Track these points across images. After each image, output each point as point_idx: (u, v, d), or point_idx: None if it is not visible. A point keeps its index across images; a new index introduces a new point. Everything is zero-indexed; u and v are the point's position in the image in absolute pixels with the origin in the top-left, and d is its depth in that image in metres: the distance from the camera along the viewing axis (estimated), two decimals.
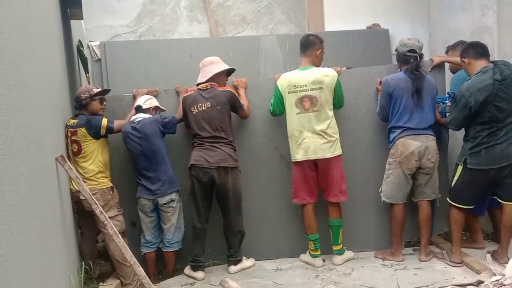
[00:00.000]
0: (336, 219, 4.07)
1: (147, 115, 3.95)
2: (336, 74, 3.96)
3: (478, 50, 3.65)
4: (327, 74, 3.90)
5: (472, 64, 3.65)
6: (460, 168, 3.75)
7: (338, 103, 4.03)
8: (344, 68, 4.43)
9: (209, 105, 3.92)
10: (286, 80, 3.97)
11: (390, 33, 5.64)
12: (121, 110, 4.14)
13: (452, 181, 3.85)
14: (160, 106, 4.10)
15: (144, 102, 4.00)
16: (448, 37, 5.10)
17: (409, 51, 3.94)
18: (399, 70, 4.09)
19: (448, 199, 3.88)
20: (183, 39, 5.52)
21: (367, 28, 5.73)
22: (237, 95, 4.06)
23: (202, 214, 3.99)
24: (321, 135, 3.89)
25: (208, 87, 3.98)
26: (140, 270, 3.17)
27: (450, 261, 3.82)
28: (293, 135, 3.97)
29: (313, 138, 3.89)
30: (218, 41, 5.43)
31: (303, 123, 3.91)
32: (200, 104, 3.94)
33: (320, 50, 3.99)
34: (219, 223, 4.11)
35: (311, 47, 3.97)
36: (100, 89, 3.98)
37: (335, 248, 4.11)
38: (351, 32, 5.53)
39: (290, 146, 4.04)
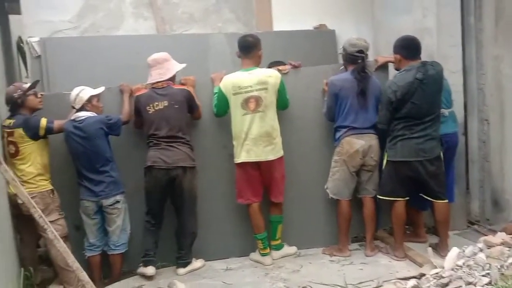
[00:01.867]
0: (275, 215, 4.14)
1: (90, 113, 3.78)
2: (280, 75, 3.98)
3: (410, 52, 3.81)
4: (270, 75, 3.92)
5: (402, 62, 3.83)
6: (384, 162, 3.93)
7: (282, 104, 4.06)
8: (289, 67, 4.42)
9: (166, 104, 3.83)
10: (230, 82, 3.94)
11: (336, 33, 5.76)
12: (61, 109, 3.92)
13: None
14: (94, 92, 3.83)
15: (75, 101, 3.78)
16: (392, 38, 5.18)
17: (357, 51, 4.03)
18: (342, 68, 4.18)
19: (377, 195, 4.04)
20: (129, 36, 5.41)
21: (314, 28, 5.82)
22: (193, 96, 3.99)
23: (158, 214, 3.95)
24: (264, 136, 3.91)
25: (164, 86, 3.89)
26: (83, 275, 3.07)
27: (394, 256, 3.94)
28: (238, 136, 3.97)
29: (256, 140, 3.90)
30: (166, 39, 5.36)
31: (248, 124, 3.90)
32: (157, 103, 3.84)
33: (261, 51, 4.02)
34: (170, 223, 4.04)
35: (253, 49, 3.97)
36: (29, 84, 3.78)
37: (272, 243, 4.16)
38: (298, 32, 5.60)
39: (234, 147, 4.03)
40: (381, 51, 5.52)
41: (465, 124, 4.71)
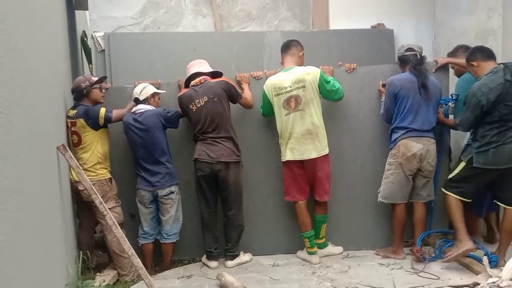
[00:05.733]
0: (319, 215, 4.15)
1: (149, 107, 3.93)
2: (319, 71, 3.94)
3: (485, 52, 3.67)
4: (308, 72, 3.91)
5: (481, 66, 3.65)
6: (462, 164, 3.76)
7: (330, 96, 4.00)
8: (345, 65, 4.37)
9: (206, 99, 3.92)
10: (271, 83, 4.01)
11: (395, 33, 5.64)
12: (123, 102, 4.11)
13: (450, 174, 3.88)
14: (157, 90, 4.03)
15: (140, 93, 3.94)
16: (453, 38, 5.09)
17: (406, 50, 4.00)
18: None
19: (442, 189, 3.90)
20: (188, 32, 5.55)
21: (371, 27, 5.73)
22: (232, 84, 4.04)
23: (211, 204, 4.06)
24: (306, 134, 3.91)
25: (201, 81, 3.99)
26: (137, 261, 3.18)
27: (462, 248, 3.70)
28: (283, 135, 4.01)
29: (299, 139, 3.92)
30: (223, 36, 5.45)
31: (290, 123, 3.93)
32: (198, 101, 3.94)
33: (302, 52, 4.07)
34: (219, 217, 4.15)
35: (294, 46, 4.05)
36: (97, 77, 3.97)
37: (316, 241, 4.16)
38: (355, 31, 5.53)
39: (280, 146, 4.08)
40: (441, 52, 5.39)
41: None
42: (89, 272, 3.78)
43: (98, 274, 3.84)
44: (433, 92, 3.87)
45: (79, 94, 3.87)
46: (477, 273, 3.54)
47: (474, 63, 3.68)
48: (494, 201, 3.81)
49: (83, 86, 3.84)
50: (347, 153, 4.28)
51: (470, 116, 3.65)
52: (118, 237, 3.23)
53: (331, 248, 4.25)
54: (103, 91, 3.99)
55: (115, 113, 3.88)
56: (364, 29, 5.63)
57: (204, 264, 4.13)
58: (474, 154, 3.66)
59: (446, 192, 3.85)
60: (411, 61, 3.91)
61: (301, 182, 4.06)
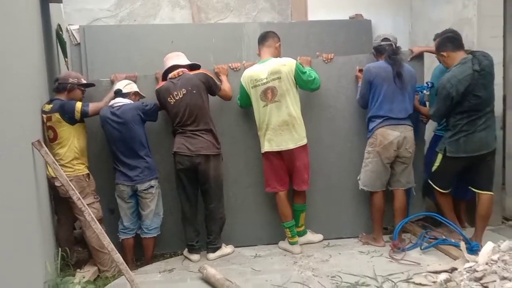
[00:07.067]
0: (298, 204, 4.20)
1: (127, 101, 3.88)
2: (294, 62, 3.93)
3: (456, 43, 3.74)
4: (284, 64, 3.91)
5: (451, 56, 3.73)
6: (440, 156, 3.89)
7: (307, 87, 4.00)
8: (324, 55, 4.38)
9: (184, 92, 3.89)
10: (248, 75, 4.01)
11: (373, 23, 5.66)
12: (99, 95, 4.07)
13: (433, 167, 4.00)
14: (140, 92, 4.04)
15: (124, 86, 3.93)
16: (429, 28, 5.13)
17: (382, 40, 4.05)
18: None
19: (429, 180, 4.06)
20: (165, 24, 5.47)
21: (349, 18, 5.75)
22: (211, 76, 4.02)
23: (191, 197, 4.04)
24: (283, 125, 3.92)
25: (180, 74, 3.96)
26: (118, 257, 3.15)
27: (453, 238, 3.90)
28: (261, 127, 4.02)
29: (275, 130, 3.94)
30: (200, 28, 5.39)
31: (267, 115, 3.94)
32: (176, 93, 3.90)
33: (279, 43, 4.07)
34: (200, 209, 4.13)
35: (270, 38, 4.05)
36: (85, 81, 3.98)
37: (296, 229, 4.19)
38: (333, 22, 5.53)
39: (259, 137, 4.08)
40: (418, 41, 5.44)
41: (503, 118, 4.59)
42: (68, 268, 3.73)
43: (78, 270, 3.80)
44: (407, 80, 3.91)
45: (62, 86, 3.83)
46: (455, 258, 3.61)
47: (444, 54, 3.76)
48: (469, 187, 3.91)
49: (70, 81, 3.82)
50: (325, 142, 4.31)
51: (442, 107, 3.74)
52: (97, 232, 3.20)
53: (310, 236, 4.29)
54: (84, 94, 3.97)
55: (92, 106, 3.82)
56: (342, 20, 5.63)
57: (186, 257, 4.12)
58: (447, 144, 3.79)
59: (432, 184, 4.02)
60: (387, 50, 3.96)
61: (281, 173, 4.07)
